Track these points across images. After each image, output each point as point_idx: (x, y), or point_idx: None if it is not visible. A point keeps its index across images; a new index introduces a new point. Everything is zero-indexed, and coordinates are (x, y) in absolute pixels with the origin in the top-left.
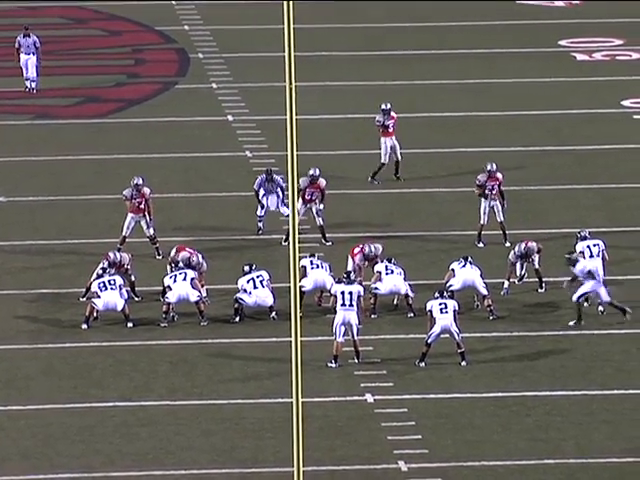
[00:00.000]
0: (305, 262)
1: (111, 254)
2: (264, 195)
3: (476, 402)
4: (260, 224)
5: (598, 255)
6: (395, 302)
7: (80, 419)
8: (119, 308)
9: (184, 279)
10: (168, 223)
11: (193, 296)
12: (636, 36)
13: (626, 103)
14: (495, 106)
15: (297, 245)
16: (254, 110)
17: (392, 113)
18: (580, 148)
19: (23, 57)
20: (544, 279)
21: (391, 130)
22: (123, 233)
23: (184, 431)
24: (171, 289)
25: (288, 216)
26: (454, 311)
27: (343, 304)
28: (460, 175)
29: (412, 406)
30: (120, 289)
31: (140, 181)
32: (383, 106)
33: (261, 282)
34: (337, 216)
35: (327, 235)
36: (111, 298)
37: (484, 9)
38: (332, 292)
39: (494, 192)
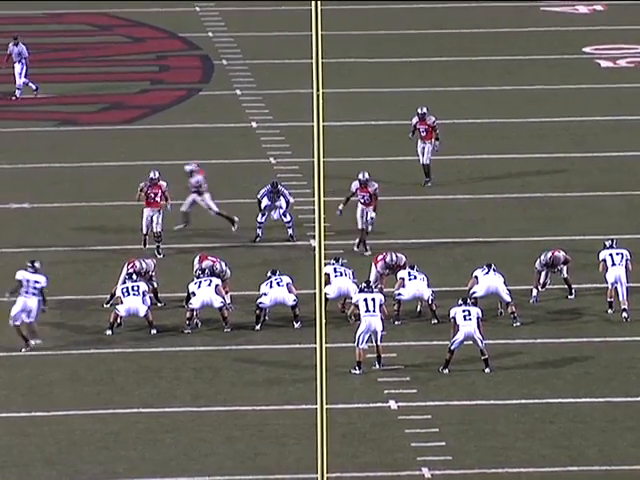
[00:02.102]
0: (329, 269)
1: (137, 262)
2: (267, 205)
3: (500, 409)
4: (259, 231)
5: (620, 263)
6: (419, 309)
7: (104, 425)
8: (141, 314)
9: (209, 285)
10: (193, 229)
11: (217, 302)
12: None
13: None
14: (519, 113)
15: (323, 252)
16: (278, 117)
17: (426, 118)
18: (604, 155)
19: (17, 66)
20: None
21: (424, 134)
22: (143, 232)
23: (208, 437)
24: (195, 295)
25: (289, 222)
26: (477, 318)
27: (367, 310)
28: (483, 182)
29: (436, 413)
30: (143, 295)
31: (156, 175)
32: (419, 110)
33: (278, 283)
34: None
35: (356, 242)
36: (133, 304)
37: (509, 16)
38: (354, 302)
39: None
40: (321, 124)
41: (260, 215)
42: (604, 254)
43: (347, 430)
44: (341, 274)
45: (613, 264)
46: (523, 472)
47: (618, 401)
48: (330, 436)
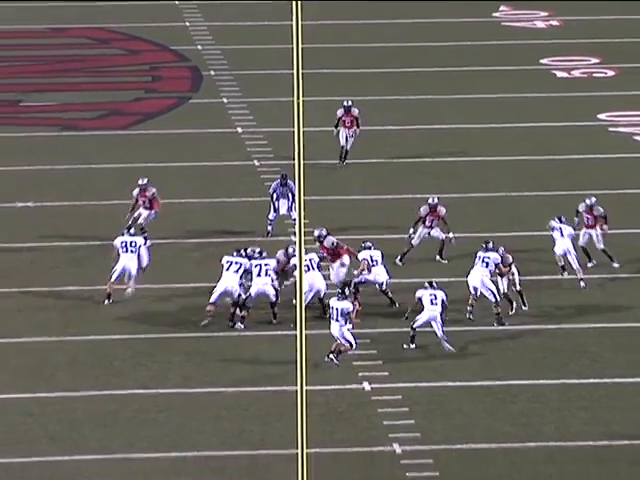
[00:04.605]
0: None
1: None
2: (277, 199)
3: (464, 390)
4: (270, 227)
5: (569, 236)
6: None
7: (102, 405)
8: (133, 273)
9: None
10: (183, 226)
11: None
12: (611, 55)
13: (602, 117)
14: (482, 119)
15: (303, 246)
16: (261, 123)
17: (352, 110)
18: (560, 158)
19: None
20: (528, 277)
21: (348, 125)
22: (128, 220)
23: (197, 416)
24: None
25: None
26: (442, 302)
27: (332, 317)
28: (450, 182)
29: (406, 393)
30: (139, 256)
31: (144, 181)
32: (345, 103)
33: (266, 271)
34: (340, 221)
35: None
36: (129, 262)
37: (472, 31)
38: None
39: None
40: (301, 129)
41: (272, 212)
42: (552, 225)
43: (325, 410)
44: (308, 268)
45: (562, 235)
46: (486, 447)
47: (572, 383)
48: (309, 415)
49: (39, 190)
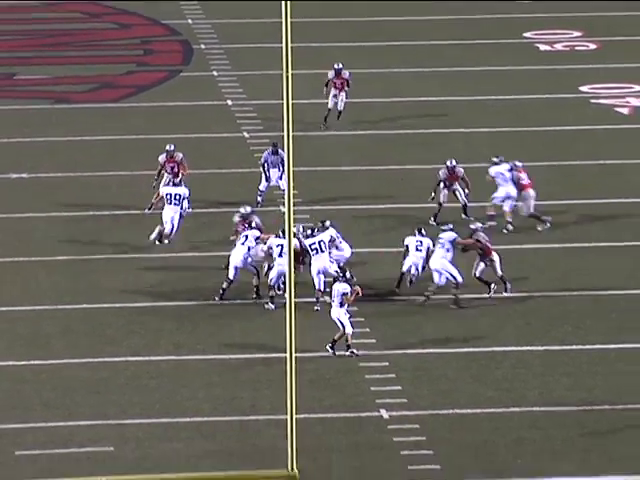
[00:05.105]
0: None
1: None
2: (268, 168)
3: (450, 356)
4: (259, 198)
5: (512, 179)
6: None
7: (95, 373)
8: (175, 224)
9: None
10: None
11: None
12: (593, 28)
13: (584, 89)
14: (467, 92)
15: (292, 217)
16: (251, 95)
17: (342, 73)
18: (542, 129)
19: None
20: (510, 246)
21: (339, 87)
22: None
23: (188, 383)
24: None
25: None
26: (427, 249)
27: (332, 299)
28: (435, 153)
29: (393, 360)
30: (182, 208)
31: (172, 147)
32: (335, 65)
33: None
34: (329, 192)
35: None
36: (168, 213)
37: (457, 5)
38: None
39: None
40: (290, 102)
41: (264, 181)
42: (494, 170)
43: (314, 376)
44: (317, 251)
45: (505, 181)
46: (471, 412)
47: (555, 349)
48: (299, 382)
49: (33, 161)
